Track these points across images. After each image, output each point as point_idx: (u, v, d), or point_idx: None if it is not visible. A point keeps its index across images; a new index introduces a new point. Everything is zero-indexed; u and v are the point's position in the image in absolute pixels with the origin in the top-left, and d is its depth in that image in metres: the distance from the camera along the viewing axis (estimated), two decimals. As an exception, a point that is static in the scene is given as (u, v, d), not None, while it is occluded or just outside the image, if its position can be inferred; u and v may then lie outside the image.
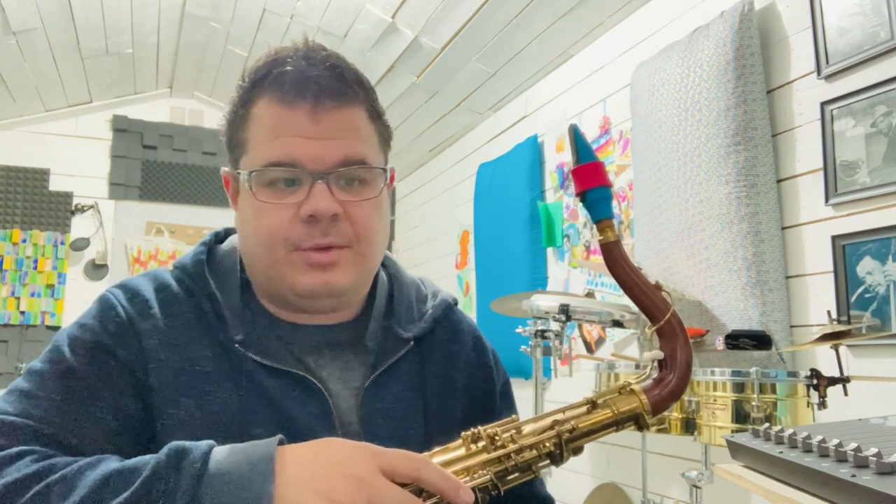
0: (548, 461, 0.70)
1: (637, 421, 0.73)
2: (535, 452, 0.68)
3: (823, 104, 1.95)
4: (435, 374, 0.91)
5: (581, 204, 0.75)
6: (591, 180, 0.73)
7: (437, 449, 0.68)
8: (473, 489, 0.65)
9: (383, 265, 0.98)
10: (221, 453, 0.63)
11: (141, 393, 0.78)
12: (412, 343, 0.90)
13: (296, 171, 0.80)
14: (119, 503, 0.60)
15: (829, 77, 1.94)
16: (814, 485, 0.61)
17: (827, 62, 1.94)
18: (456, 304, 0.99)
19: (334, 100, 0.80)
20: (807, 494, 0.61)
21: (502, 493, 0.67)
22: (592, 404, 0.72)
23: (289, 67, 0.81)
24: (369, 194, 0.83)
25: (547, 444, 0.69)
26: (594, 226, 0.74)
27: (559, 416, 0.71)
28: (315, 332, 0.87)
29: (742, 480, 0.72)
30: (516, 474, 0.69)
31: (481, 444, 0.68)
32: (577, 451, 0.71)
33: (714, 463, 1.86)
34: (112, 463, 0.65)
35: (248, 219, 0.84)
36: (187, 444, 0.63)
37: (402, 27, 3.28)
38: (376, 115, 0.87)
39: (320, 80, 0.80)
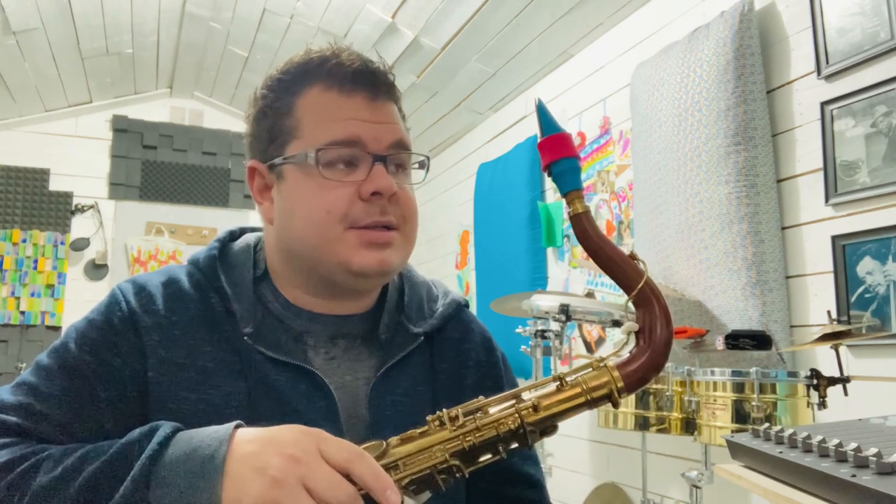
0: (515, 442, 0.68)
1: (609, 399, 0.69)
2: (494, 432, 0.67)
3: (823, 104, 1.95)
4: (445, 371, 0.93)
5: (549, 178, 0.73)
6: (557, 152, 0.71)
7: (402, 434, 0.68)
8: (432, 471, 0.65)
9: None
10: (186, 433, 0.68)
11: (141, 390, 0.79)
12: (422, 338, 0.92)
13: (357, 151, 0.84)
14: (95, 468, 0.66)
15: (829, 77, 1.94)
16: (814, 485, 0.61)
17: (827, 62, 1.94)
18: (467, 305, 1.01)
19: (386, 91, 0.88)
20: (807, 494, 0.61)
21: (466, 475, 0.67)
22: (561, 382, 0.69)
23: (348, 60, 0.86)
24: (413, 180, 0.90)
25: (508, 424, 0.67)
26: (563, 198, 0.72)
27: (524, 396, 0.69)
28: (331, 321, 0.89)
29: (742, 480, 0.72)
30: (481, 455, 0.68)
31: (445, 426, 0.67)
32: (548, 430, 0.69)
33: (714, 463, 1.86)
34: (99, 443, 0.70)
35: (297, 201, 0.85)
36: (161, 422, 0.69)
37: (402, 27, 3.28)
38: (403, 115, 0.93)
39: (377, 74, 0.87)
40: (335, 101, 0.85)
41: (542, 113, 0.73)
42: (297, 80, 0.87)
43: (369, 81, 0.86)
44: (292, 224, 0.86)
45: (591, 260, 0.72)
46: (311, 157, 0.83)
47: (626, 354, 0.71)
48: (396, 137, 0.86)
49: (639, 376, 0.69)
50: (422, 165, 0.92)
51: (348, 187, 0.83)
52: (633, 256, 0.71)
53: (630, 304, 0.71)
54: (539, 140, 0.73)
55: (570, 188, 0.71)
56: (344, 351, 0.89)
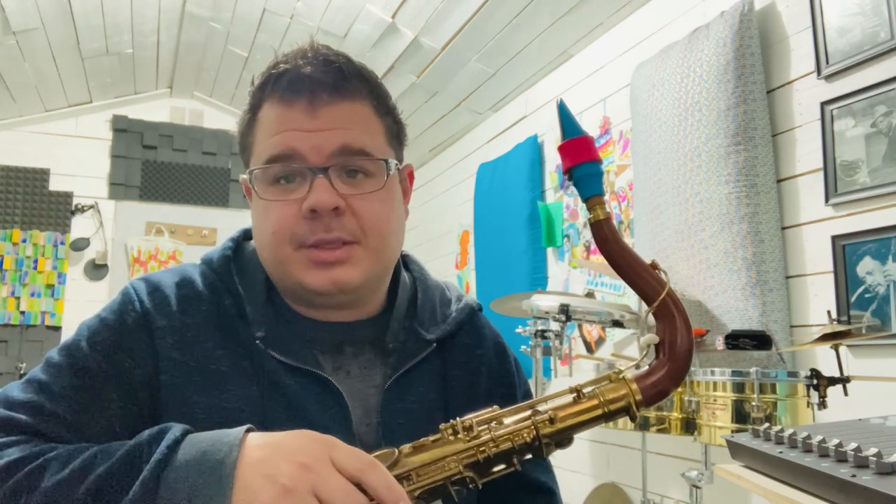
0: (530, 453, 0.67)
1: (627, 412, 0.67)
2: (510, 444, 0.66)
3: (823, 104, 1.95)
4: (457, 377, 0.91)
5: (569, 182, 0.71)
6: (578, 155, 0.69)
7: (414, 442, 0.67)
8: (446, 482, 0.65)
9: (408, 268, 0.97)
10: (196, 436, 0.67)
11: (152, 392, 0.78)
12: (434, 345, 0.89)
13: (295, 166, 0.79)
14: (103, 470, 0.64)
15: (829, 77, 1.94)
16: (814, 485, 0.61)
17: (827, 62, 1.94)
18: (480, 309, 0.99)
19: (331, 94, 0.80)
20: (807, 494, 0.61)
21: (480, 486, 0.66)
22: (579, 394, 0.68)
23: (285, 68, 0.81)
24: (373, 187, 0.81)
25: (524, 436, 0.66)
26: (584, 203, 0.69)
27: (540, 407, 0.68)
28: (336, 329, 0.87)
29: (742, 480, 0.72)
30: (496, 466, 0.66)
31: (459, 435, 0.66)
32: (564, 443, 0.68)
33: (714, 463, 1.86)
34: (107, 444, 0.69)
35: (257, 219, 0.85)
36: (171, 424, 0.68)
37: (402, 27, 3.28)
38: (384, 111, 0.86)
39: (314, 76, 0.80)
40: (277, 114, 0.81)
41: (564, 114, 0.70)
42: (257, 94, 0.84)
43: (308, 87, 0.79)
44: (257, 241, 0.86)
45: (595, 257, 0.72)
46: (249, 178, 0.82)
47: (644, 367, 0.69)
48: (340, 143, 0.79)
49: (658, 390, 0.68)
50: (404, 168, 0.88)
51: (292, 205, 0.79)
52: (654, 266, 0.69)
53: (650, 316, 0.69)
54: (560, 142, 0.70)
55: (592, 193, 0.69)
56: (352, 358, 0.87)
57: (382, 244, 0.83)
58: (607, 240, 0.69)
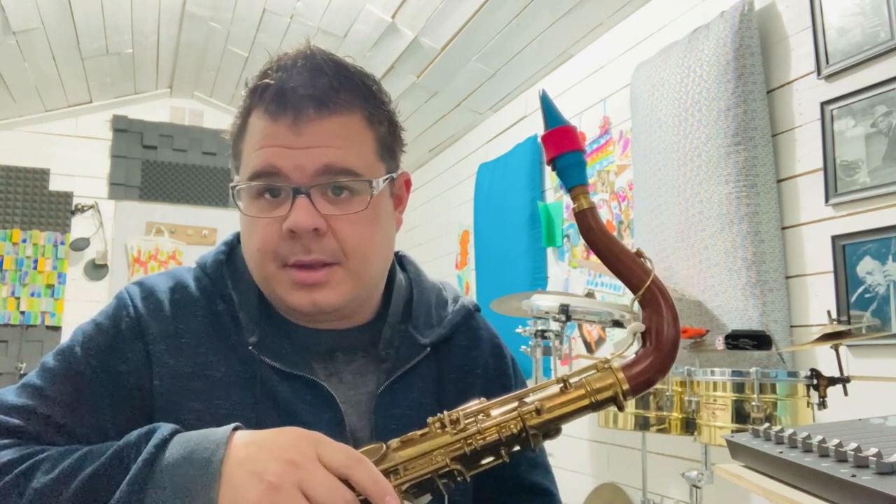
0: (517, 445, 0.66)
1: (614, 401, 0.67)
2: (496, 436, 0.65)
3: (823, 104, 1.95)
4: (452, 381, 0.90)
5: (553, 172, 0.70)
6: (561, 145, 0.68)
7: (402, 437, 0.67)
8: (433, 476, 0.65)
9: (404, 269, 0.97)
10: (184, 435, 0.67)
11: (146, 398, 0.78)
12: (429, 349, 0.89)
13: (277, 184, 0.78)
14: (92, 470, 0.65)
15: (829, 77, 1.94)
16: (814, 485, 0.61)
17: (827, 62, 1.94)
18: (478, 310, 0.98)
19: (318, 109, 0.78)
20: (807, 494, 0.61)
21: (468, 479, 0.66)
22: (565, 384, 0.67)
23: (271, 81, 0.79)
24: (357, 207, 0.79)
25: (511, 427, 0.65)
26: (567, 193, 0.69)
27: (527, 398, 0.67)
28: (328, 336, 0.86)
29: (742, 480, 0.72)
30: (483, 459, 0.66)
31: (446, 429, 0.66)
32: (551, 433, 0.67)
33: (714, 463, 1.86)
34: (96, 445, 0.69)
35: (244, 233, 0.84)
36: (160, 424, 0.68)
37: (402, 27, 3.28)
38: (378, 120, 0.83)
39: (301, 90, 0.78)
40: (262, 128, 0.78)
41: (547, 105, 0.69)
42: (247, 100, 0.82)
43: (294, 102, 0.77)
44: (245, 256, 0.85)
45: (595, 258, 0.71)
46: (233, 193, 0.82)
47: (631, 355, 0.69)
48: (323, 162, 0.77)
49: (645, 378, 0.67)
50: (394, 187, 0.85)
51: (275, 223, 0.77)
52: (639, 254, 0.68)
53: (636, 304, 0.69)
54: (543, 133, 0.70)
55: (575, 183, 0.68)
56: (344, 365, 0.86)
57: (364, 266, 0.81)
58: (592, 229, 0.69)
